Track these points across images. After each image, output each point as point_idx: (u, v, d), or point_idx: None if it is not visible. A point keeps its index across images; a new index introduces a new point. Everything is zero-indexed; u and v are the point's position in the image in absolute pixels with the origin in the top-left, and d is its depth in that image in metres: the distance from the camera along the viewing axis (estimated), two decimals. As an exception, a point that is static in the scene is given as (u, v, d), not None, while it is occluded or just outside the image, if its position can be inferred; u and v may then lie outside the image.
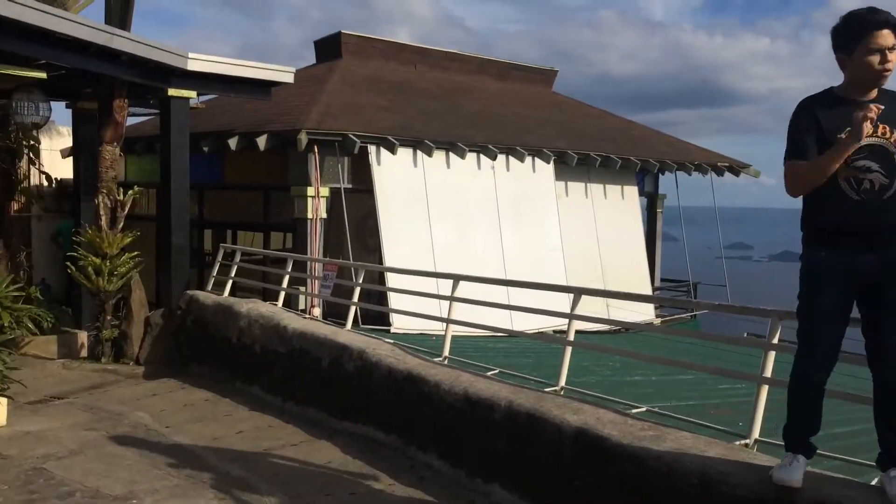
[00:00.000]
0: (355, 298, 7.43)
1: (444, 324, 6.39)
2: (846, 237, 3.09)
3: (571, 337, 5.20)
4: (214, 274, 9.13)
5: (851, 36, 3.07)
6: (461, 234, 12.28)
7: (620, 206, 14.99)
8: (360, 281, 7.43)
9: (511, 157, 12.96)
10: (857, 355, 3.47)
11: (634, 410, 4.74)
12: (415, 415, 5.26)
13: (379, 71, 15.41)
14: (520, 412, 4.47)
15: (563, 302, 10.31)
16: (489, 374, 5.50)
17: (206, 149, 11.21)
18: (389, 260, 11.12)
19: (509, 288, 10.29)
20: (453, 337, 6.30)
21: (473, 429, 4.77)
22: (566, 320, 5.34)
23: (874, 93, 3.12)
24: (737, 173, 16.65)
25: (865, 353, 3.22)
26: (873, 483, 3.30)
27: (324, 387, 6.19)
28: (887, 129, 3.06)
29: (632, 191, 15.25)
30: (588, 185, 14.44)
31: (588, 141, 14.86)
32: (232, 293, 8.80)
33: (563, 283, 12.44)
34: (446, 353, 6.02)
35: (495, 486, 4.55)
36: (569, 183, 14.08)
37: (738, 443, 4.03)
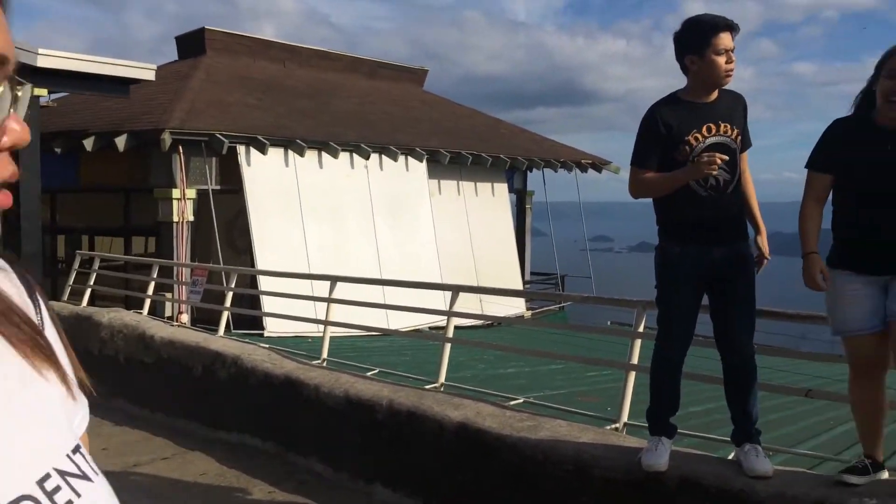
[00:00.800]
0: (227, 303, 7.22)
1: (320, 326, 6.33)
2: (697, 232, 3.30)
3: (450, 333, 5.28)
4: (70, 283, 8.60)
5: (699, 39, 3.24)
6: (336, 234, 12.17)
7: (491, 203, 15.33)
8: (233, 285, 7.22)
9: (384, 157, 12.97)
10: (708, 338, 3.74)
11: (512, 402, 4.86)
12: (294, 420, 5.17)
13: (246, 68, 15.01)
14: (401, 411, 4.50)
15: (437, 299, 10.44)
16: (369, 374, 5.49)
17: (58, 150, 10.53)
18: (262, 262, 10.86)
19: (385, 287, 10.31)
20: (330, 338, 6.25)
21: (355, 430, 4.75)
22: (439, 317, 5.41)
23: (715, 94, 3.33)
24: (599, 169, 17.43)
25: (714, 337, 3.47)
26: (730, 458, 3.56)
27: (196, 396, 5.97)
28: (728, 126, 3.29)
29: (502, 188, 15.64)
30: (460, 182, 14.69)
31: (459, 139, 15.10)
32: (91, 302, 8.32)
33: (437, 280, 12.59)
34: (325, 355, 5.95)
35: (377, 485, 4.56)
36: (441, 181, 14.27)
37: (608, 427, 4.23)
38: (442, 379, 5.15)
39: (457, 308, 5.50)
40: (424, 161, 13.52)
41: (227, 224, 11.89)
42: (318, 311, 8.84)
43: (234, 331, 9.00)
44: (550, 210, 17.08)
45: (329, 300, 6.25)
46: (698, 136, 3.25)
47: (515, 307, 14.19)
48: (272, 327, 10.07)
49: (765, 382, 3.88)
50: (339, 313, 6.41)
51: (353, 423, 4.76)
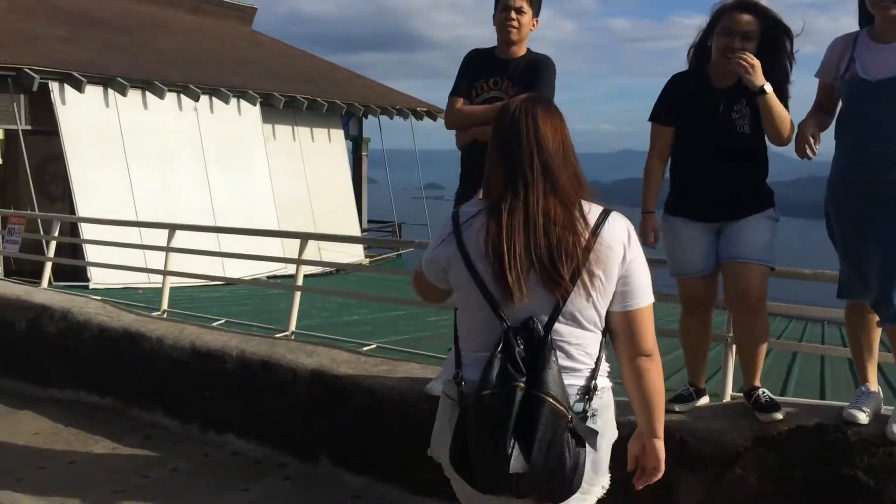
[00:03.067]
0: (50, 253, 6.70)
1: (151, 276, 6.05)
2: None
3: (300, 282, 5.24)
4: None
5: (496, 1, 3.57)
6: (165, 180, 11.56)
7: (328, 149, 15.15)
8: (56, 234, 6.70)
9: (215, 99, 12.40)
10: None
11: (365, 348, 4.95)
12: (135, 374, 4.96)
13: (53, -4, 13.67)
14: (253, 360, 4.44)
15: (275, 247, 10.27)
16: (215, 324, 5.35)
17: None
18: (83, 210, 10.14)
19: (220, 236, 9.99)
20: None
21: (203, 382, 4.63)
22: (276, 266, 5.35)
23: (517, 51, 3.58)
24: (434, 117, 17.63)
25: None
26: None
27: (20, 353, 5.55)
28: (509, 84, 3.53)
29: (338, 134, 15.47)
30: (295, 128, 14.36)
31: (293, 83, 14.70)
32: None
33: (274, 227, 12.34)
34: (164, 306, 5.72)
35: (230, 436, 4.50)
36: (276, 126, 13.88)
37: (458, 368, 4.42)
38: (293, 327, 5.12)
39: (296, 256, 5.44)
40: (258, 105, 13.08)
41: (38, 168, 10.93)
42: (149, 260, 8.43)
43: (55, 283, 8.39)
44: (387, 157, 17.13)
45: (168, 249, 5.98)
46: (483, 84, 3.56)
47: (354, 255, 14.23)
48: (98, 278, 9.49)
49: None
50: (173, 263, 6.15)
51: (201, 374, 4.64)
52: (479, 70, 3.61)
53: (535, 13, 3.61)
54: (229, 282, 8.86)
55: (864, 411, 3.07)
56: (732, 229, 3.22)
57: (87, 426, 4.78)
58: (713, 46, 3.16)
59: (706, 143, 3.22)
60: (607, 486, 2.06)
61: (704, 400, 3.51)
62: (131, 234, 8.95)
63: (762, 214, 3.21)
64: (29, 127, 10.35)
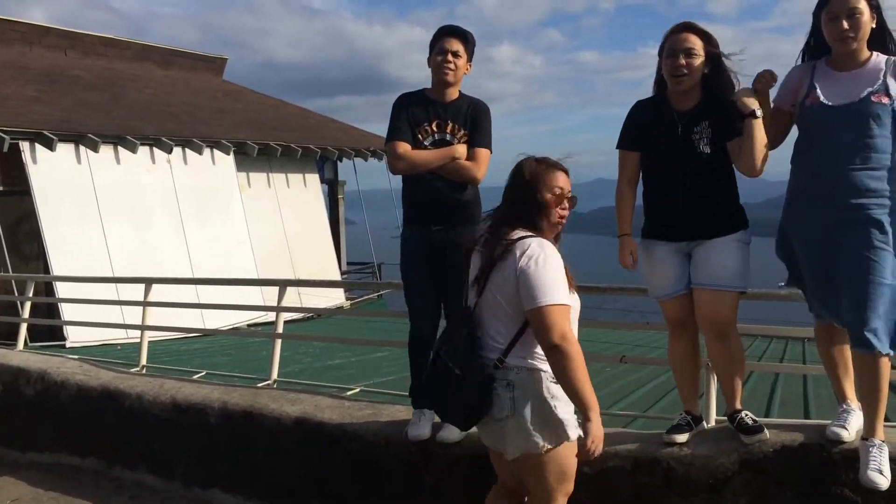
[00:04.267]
0: (25, 314, 6.62)
1: (130, 332, 5.99)
2: (425, 215, 3.68)
3: (280, 329, 5.21)
4: None
5: (431, 45, 3.71)
6: (140, 234, 11.49)
7: (304, 194, 15.17)
8: (30, 294, 6.63)
9: (188, 150, 12.40)
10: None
11: (349, 392, 4.92)
12: (116, 432, 4.88)
13: (22, 57, 13.72)
14: (236, 411, 4.39)
15: (254, 295, 10.22)
16: (195, 377, 5.30)
17: None
18: (58, 268, 10.04)
19: (198, 287, 9.93)
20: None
21: (186, 436, 4.57)
22: (256, 314, 5.33)
23: (451, 94, 3.69)
24: (408, 158, 17.71)
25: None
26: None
27: (-2, 418, 5.45)
28: (454, 126, 3.65)
29: (314, 178, 15.50)
30: (271, 175, 14.38)
31: (267, 130, 14.76)
32: None
33: (253, 276, 12.29)
34: (144, 361, 5.65)
35: (215, 490, 4.43)
36: (251, 174, 13.89)
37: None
38: (274, 375, 5.08)
39: (275, 303, 5.41)
40: (231, 154, 13.10)
41: (11, 228, 10.83)
42: (126, 316, 8.35)
43: (31, 344, 8.27)
44: (364, 198, 17.17)
45: (144, 303, 5.93)
46: (427, 128, 3.65)
47: (334, 298, 14.18)
48: (75, 337, 9.35)
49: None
50: (151, 317, 6.09)
51: (184, 429, 4.58)
52: (417, 113, 3.67)
53: (469, 58, 3.73)
54: (209, 333, 8.78)
55: (846, 429, 3.09)
56: (702, 252, 3.26)
57: (70, 489, 4.68)
58: (663, 70, 3.25)
59: (669, 166, 3.28)
60: (539, 451, 2.67)
61: (701, 427, 3.50)
62: (108, 291, 8.87)
63: (732, 237, 3.24)
64: (0, 188, 10.30)
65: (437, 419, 3.83)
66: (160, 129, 12.26)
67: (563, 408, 2.67)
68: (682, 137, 3.23)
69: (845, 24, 2.93)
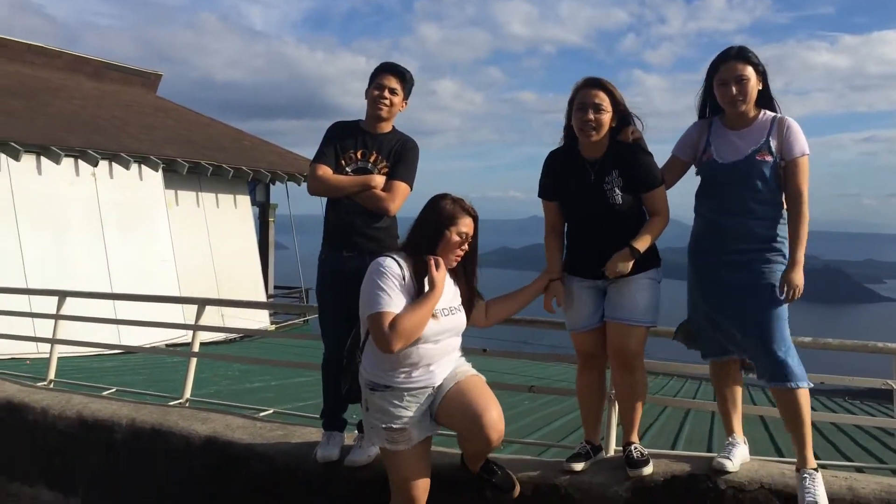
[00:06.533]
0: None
1: (42, 346, 5.84)
2: (339, 240, 3.78)
3: (196, 348, 5.17)
4: None
5: (370, 79, 3.82)
6: (59, 247, 11.16)
7: (233, 215, 15.00)
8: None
9: (115, 164, 12.15)
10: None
11: (262, 414, 4.90)
12: (17, 447, 4.74)
13: (-58, 60, 13.24)
14: (144, 428, 4.33)
15: (176, 314, 10.04)
16: (105, 393, 5.19)
17: None
18: (-33, 277, 9.65)
19: (116, 303, 9.70)
20: (57, 360, 5.78)
21: (91, 453, 4.47)
22: (177, 333, 5.28)
23: (384, 128, 3.81)
24: (342, 185, 17.71)
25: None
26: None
27: None
28: (378, 156, 3.76)
29: (244, 200, 15.35)
30: (200, 194, 14.18)
31: (198, 149, 14.59)
32: None
33: (176, 293, 12.06)
34: (52, 376, 5.51)
35: (118, 509, 4.34)
36: (179, 192, 13.67)
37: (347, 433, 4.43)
38: (187, 394, 5.02)
39: (202, 323, 5.37)
40: (160, 170, 12.88)
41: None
42: (38, 330, 8.09)
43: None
44: (295, 223, 17.07)
45: (56, 316, 5.79)
46: (352, 154, 3.77)
47: (260, 321, 14.01)
48: (-21, 350, 8.98)
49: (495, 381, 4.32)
50: (64, 332, 5.94)
51: (89, 445, 4.48)
52: (346, 141, 3.79)
53: (406, 96, 3.87)
54: (124, 350, 8.58)
55: (730, 460, 3.29)
56: (615, 290, 3.45)
57: (-38, 506, 4.52)
58: (573, 123, 3.44)
59: (582, 211, 3.48)
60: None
61: (600, 456, 3.65)
62: (20, 302, 8.58)
63: (644, 275, 3.44)
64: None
65: (347, 441, 3.89)
66: (86, 142, 12.00)
67: (373, 416, 3.13)
68: (594, 185, 3.42)
69: (734, 90, 3.25)
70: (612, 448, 3.83)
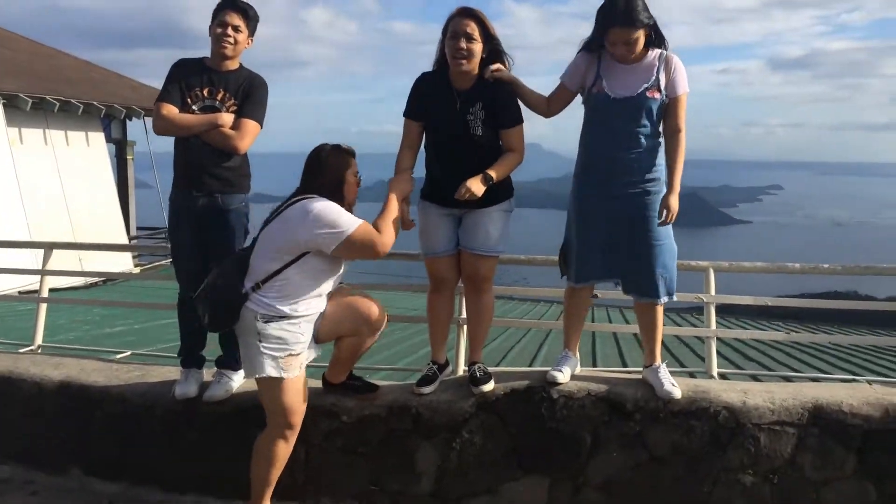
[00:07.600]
0: None
1: None
2: (189, 180, 3.80)
3: (45, 293, 5.01)
4: None
5: (214, 14, 3.80)
6: None
7: (86, 153, 14.18)
8: None
9: (-53, 100, 11.19)
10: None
11: (119, 356, 4.86)
12: None
13: None
14: (-9, 377, 4.22)
15: (28, 260, 9.56)
16: (-53, 344, 4.97)
17: None
18: None
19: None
20: None
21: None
22: (29, 279, 5.10)
23: (230, 65, 3.78)
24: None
25: None
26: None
27: None
28: (224, 94, 3.75)
29: (98, 137, 14.53)
30: (47, 131, 13.29)
31: (42, 83, 13.59)
32: None
33: (26, 238, 11.42)
34: None
35: (-32, 460, 4.24)
36: (23, 129, 12.77)
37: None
38: (38, 341, 4.89)
39: (53, 267, 5.19)
40: (1, 106, 11.97)
41: None
42: None
43: None
44: (156, 160, 16.35)
45: None
46: (198, 92, 3.74)
47: (124, 265, 13.51)
48: None
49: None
50: None
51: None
52: (191, 79, 3.74)
53: (252, 33, 3.84)
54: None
55: (562, 372, 3.62)
56: (470, 220, 3.63)
57: None
58: (446, 51, 3.54)
59: (444, 138, 3.61)
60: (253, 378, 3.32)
61: (447, 372, 3.90)
62: None
63: (497, 207, 3.64)
64: None
65: (205, 378, 3.96)
66: (-88, 75, 10.96)
67: (269, 347, 3.21)
68: (459, 115, 3.54)
69: (624, 50, 3.40)
70: (461, 368, 4.10)
